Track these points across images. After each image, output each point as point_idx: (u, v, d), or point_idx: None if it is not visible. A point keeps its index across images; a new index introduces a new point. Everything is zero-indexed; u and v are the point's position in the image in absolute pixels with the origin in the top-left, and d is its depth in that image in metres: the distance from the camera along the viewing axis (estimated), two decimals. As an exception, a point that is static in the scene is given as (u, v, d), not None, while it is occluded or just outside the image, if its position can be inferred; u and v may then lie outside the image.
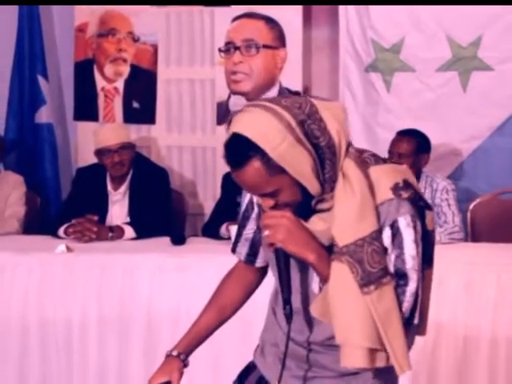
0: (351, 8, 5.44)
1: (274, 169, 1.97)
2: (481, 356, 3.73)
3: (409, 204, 2.02)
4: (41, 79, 5.87)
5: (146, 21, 5.73)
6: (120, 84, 5.82)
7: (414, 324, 2.07)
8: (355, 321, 1.98)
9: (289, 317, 2.10)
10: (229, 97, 5.75)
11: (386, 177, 2.04)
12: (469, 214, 5.09)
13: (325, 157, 2.01)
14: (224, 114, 5.67)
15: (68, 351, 4.04)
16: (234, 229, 4.30)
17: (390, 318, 1.99)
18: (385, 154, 4.78)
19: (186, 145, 5.79)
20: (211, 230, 4.71)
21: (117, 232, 4.60)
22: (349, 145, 2.09)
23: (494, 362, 3.73)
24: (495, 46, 5.27)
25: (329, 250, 2.04)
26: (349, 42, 5.50)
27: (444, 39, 5.30)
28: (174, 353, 2.54)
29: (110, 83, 5.83)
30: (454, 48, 5.31)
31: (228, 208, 4.66)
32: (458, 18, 5.29)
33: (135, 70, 5.79)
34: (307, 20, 5.62)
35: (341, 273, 1.99)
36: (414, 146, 4.71)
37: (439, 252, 4.16)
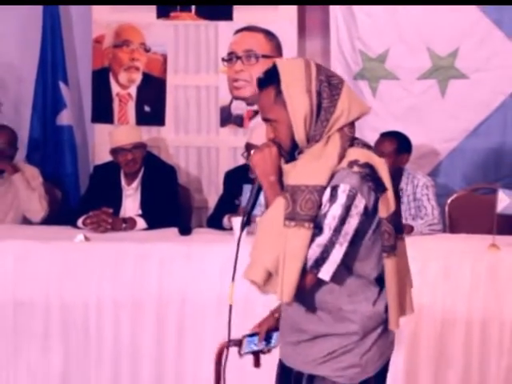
0: (341, 21, 5.41)
1: (280, 101, 2.14)
2: (457, 336, 3.72)
3: (356, 177, 2.07)
4: (62, 85, 5.83)
5: (156, 33, 5.71)
6: (133, 90, 5.79)
7: (316, 275, 2.09)
8: (268, 244, 2.09)
9: (243, 227, 2.29)
10: (231, 102, 5.78)
11: (354, 154, 2.12)
12: (447, 208, 5.07)
13: (319, 117, 2.12)
14: (227, 117, 5.65)
15: (86, 331, 4.02)
16: (235, 220, 4.28)
17: (294, 255, 2.05)
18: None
19: (192, 145, 5.77)
20: (215, 222, 4.69)
21: (130, 223, 4.58)
22: (348, 128, 2.16)
23: (469, 342, 3.72)
24: (471, 56, 5.25)
25: None
26: (339, 52, 5.47)
27: (425, 50, 5.28)
28: (276, 314, 2.52)
29: (124, 89, 5.80)
30: (434, 58, 5.29)
31: (229, 202, 4.65)
32: (438, 31, 5.27)
33: (147, 77, 5.77)
34: (302, 32, 5.59)
35: (278, 204, 2.11)
36: (394, 147, 4.69)
37: (420, 242, 4.17)
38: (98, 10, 5.75)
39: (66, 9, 5.94)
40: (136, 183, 4.93)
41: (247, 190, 4.51)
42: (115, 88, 5.80)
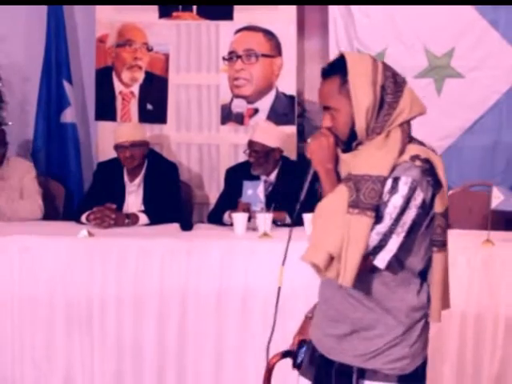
0: (339, 21, 5.41)
1: (344, 91, 2.17)
2: (452, 330, 3.72)
3: (417, 171, 2.12)
4: (66, 84, 5.83)
5: (158, 33, 5.71)
6: (136, 88, 5.80)
7: (372, 263, 2.12)
8: (331, 229, 2.10)
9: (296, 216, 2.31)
10: (231, 100, 5.78)
11: (414, 150, 2.17)
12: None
13: (382, 111, 2.16)
14: (227, 115, 5.65)
15: (89, 325, 4.03)
16: (235, 216, 4.29)
17: (356, 241, 2.07)
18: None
19: (194, 142, 5.77)
20: (215, 218, 4.70)
21: (132, 219, 4.58)
22: (406, 124, 2.21)
23: (464, 336, 3.72)
24: (466, 56, 5.25)
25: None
26: (337, 51, 5.42)
27: (421, 50, 5.28)
28: (309, 315, 2.53)
29: (127, 88, 5.80)
30: (430, 58, 5.29)
31: (230, 198, 4.65)
32: (434, 31, 5.27)
33: (149, 76, 5.77)
34: (301, 32, 5.59)
35: (340, 192, 2.13)
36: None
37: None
38: (101, 10, 5.75)
39: (69, 9, 5.94)
40: (139, 180, 4.93)
41: (247, 186, 4.52)
42: (118, 86, 5.80)
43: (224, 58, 5.52)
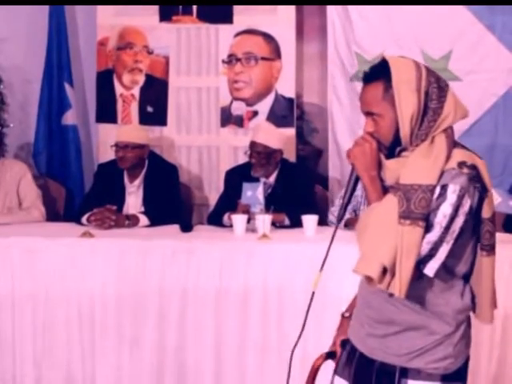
0: (338, 25, 5.41)
1: (388, 97, 2.14)
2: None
3: (464, 178, 2.09)
4: (67, 86, 5.83)
5: (159, 36, 5.71)
6: (136, 91, 5.80)
7: (422, 271, 2.11)
8: (383, 241, 2.07)
9: (339, 221, 2.30)
10: (231, 102, 5.78)
11: (460, 155, 2.13)
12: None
13: (426, 117, 2.13)
14: (227, 118, 5.65)
15: (90, 325, 4.03)
16: (235, 218, 4.28)
17: (409, 252, 2.05)
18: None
19: (194, 144, 5.77)
20: (215, 219, 4.70)
21: (132, 220, 4.58)
22: (450, 130, 2.19)
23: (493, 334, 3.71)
24: (463, 59, 5.25)
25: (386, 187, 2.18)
26: (336, 54, 5.47)
27: (419, 53, 5.27)
28: (347, 314, 2.53)
29: (128, 90, 5.80)
30: (428, 61, 5.27)
31: (230, 200, 4.64)
32: (431, 35, 5.27)
33: (149, 78, 5.77)
34: (300, 35, 5.59)
35: (390, 202, 2.10)
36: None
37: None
38: (102, 14, 5.75)
39: (71, 12, 5.95)
40: (139, 181, 4.93)
41: (246, 187, 4.52)
42: (119, 89, 5.80)
43: (224, 61, 5.52)
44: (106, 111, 5.82)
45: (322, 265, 2.35)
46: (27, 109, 5.98)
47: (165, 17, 5.69)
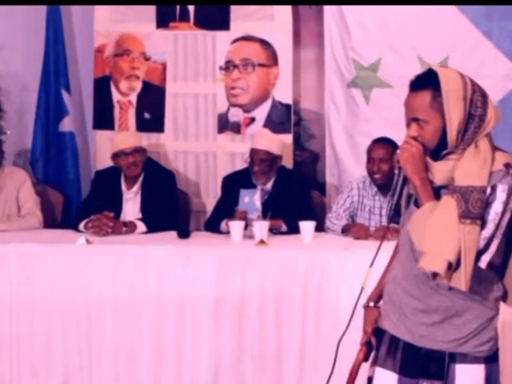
0: (335, 32, 5.41)
1: (436, 105, 2.31)
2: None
3: (510, 178, 2.30)
4: (64, 93, 5.84)
5: (156, 42, 5.72)
6: (133, 97, 5.80)
7: (476, 264, 2.28)
8: (447, 239, 2.24)
9: (395, 220, 2.47)
10: (228, 109, 5.79)
11: (504, 157, 2.35)
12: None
13: (472, 123, 2.32)
14: (224, 124, 5.65)
15: (87, 332, 4.02)
16: (232, 224, 4.28)
17: (471, 249, 2.24)
18: (364, 158, 4.76)
19: (191, 150, 5.77)
20: (212, 226, 4.70)
21: (130, 227, 4.58)
22: (489, 134, 2.39)
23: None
24: (460, 65, 5.14)
25: (435, 188, 2.35)
26: (333, 61, 5.47)
27: (416, 59, 5.28)
28: (371, 304, 2.65)
29: (125, 97, 5.81)
30: (425, 67, 5.19)
31: (227, 206, 4.64)
32: (428, 41, 5.26)
33: (146, 85, 5.77)
34: (297, 42, 5.60)
35: (448, 203, 2.28)
36: (390, 152, 4.64)
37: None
38: (99, 21, 5.76)
39: (68, 19, 5.95)
40: (136, 188, 4.93)
41: (244, 194, 4.52)
42: (116, 96, 5.81)
43: (221, 68, 5.52)
44: (103, 118, 5.83)
45: (372, 262, 2.52)
46: (24, 115, 5.98)
47: (162, 23, 5.70)
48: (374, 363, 2.53)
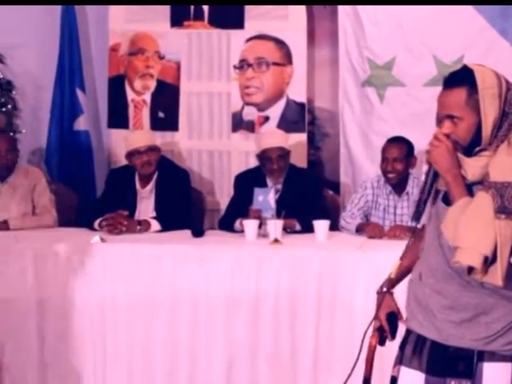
0: (349, 30, 5.41)
1: (471, 102, 2.31)
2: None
3: None
4: (79, 92, 5.86)
5: (170, 41, 5.72)
6: (148, 96, 5.81)
7: (510, 260, 2.27)
8: (483, 234, 2.24)
9: (417, 218, 2.41)
10: (242, 108, 5.78)
11: None
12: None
13: (506, 121, 2.33)
14: (238, 123, 5.65)
15: (101, 330, 4.03)
16: (246, 223, 4.28)
17: (506, 243, 2.24)
18: (378, 157, 4.74)
19: (205, 149, 5.78)
20: (226, 224, 4.69)
21: (144, 225, 4.59)
22: None
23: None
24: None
25: (467, 185, 2.35)
26: (347, 59, 5.46)
27: (430, 58, 5.27)
28: (385, 289, 2.67)
29: (139, 95, 5.82)
30: (439, 66, 5.27)
31: (240, 205, 4.63)
32: (443, 40, 5.25)
33: (161, 84, 5.78)
34: (311, 41, 5.59)
35: (483, 199, 2.27)
36: (404, 151, 4.65)
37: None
38: (114, 20, 5.77)
39: (83, 18, 5.97)
40: (150, 186, 4.94)
41: (258, 193, 4.51)
42: (130, 94, 5.82)
43: (235, 67, 5.52)
44: (118, 117, 5.84)
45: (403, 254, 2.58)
46: (39, 114, 6.00)
47: (176, 22, 5.71)
48: (399, 363, 2.52)
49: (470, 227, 2.27)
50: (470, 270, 2.26)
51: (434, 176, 2.40)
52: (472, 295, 2.36)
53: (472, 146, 2.35)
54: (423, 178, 2.45)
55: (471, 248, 2.25)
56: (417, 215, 2.42)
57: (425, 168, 2.45)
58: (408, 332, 2.53)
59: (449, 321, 2.39)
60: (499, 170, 2.30)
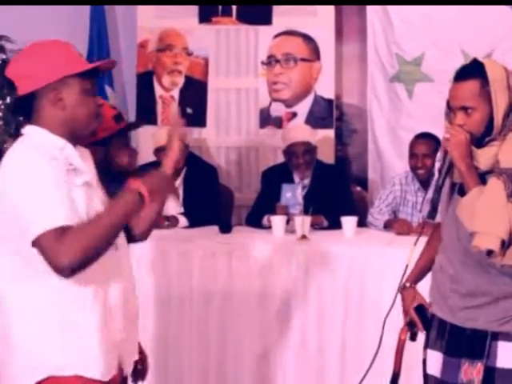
0: (378, 26, 5.40)
1: (483, 93, 2.41)
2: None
3: None
4: (108, 88, 5.89)
5: (198, 37, 5.74)
6: (176, 92, 5.83)
7: None
8: (498, 218, 2.32)
9: (432, 215, 2.46)
10: (270, 104, 5.78)
11: None
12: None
13: None
14: (266, 119, 5.65)
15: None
16: (274, 219, 4.28)
17: None
18: (406, 154, 4.73)
19: (233, 145, 5.79)
20: (253, 220, 4.70)
21: (172, 221, 4.60)
22: None
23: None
24: (505, 59, 5.15)
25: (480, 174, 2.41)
26: (375, 55, 5.45)
27: (459, 53, 5.23)
28: (407, 284, 2.73)
29: (167, 92, 5.84)
30: (468, 60, 5.22)
31: (267, 201, 4.64)
32: (472, 34, 5.22)
33: (189, 80, 5.80)
34: (339, 37, 5.58)
35: (495, 185, 2.35)
36: (432, 147, 4.62)
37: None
38: (142, 16, 5.80)
39: (111, 15, 6.00)
40: (178, 182, 4.95)
41: (286, 189, 4.51)
42: (159, 91, 5.84)
43: (263, 63, 5.52)
44: (146, 113, 5.86)
45: (416, 240, 2.61)
46: (68, 111, 6.03)
47: (204, 18, 5.72)
48: (426, 346, 2.60)
49: (485, 213, 2.34)
50: (489, 254, 2.33)
51: (449, 165, 2.46)
52: (490, 282, 2.42)
53: (483, 137, 2.43)
54: (437, 166, 2.55)
55: (488, 232, 2.32)
56: (433, 206, 2.46)
57: (439, 155, 2.54)
58: (432, 317, 2.61)
59: (468, 306, 2.47)
60: (509, 157, 2.38)
